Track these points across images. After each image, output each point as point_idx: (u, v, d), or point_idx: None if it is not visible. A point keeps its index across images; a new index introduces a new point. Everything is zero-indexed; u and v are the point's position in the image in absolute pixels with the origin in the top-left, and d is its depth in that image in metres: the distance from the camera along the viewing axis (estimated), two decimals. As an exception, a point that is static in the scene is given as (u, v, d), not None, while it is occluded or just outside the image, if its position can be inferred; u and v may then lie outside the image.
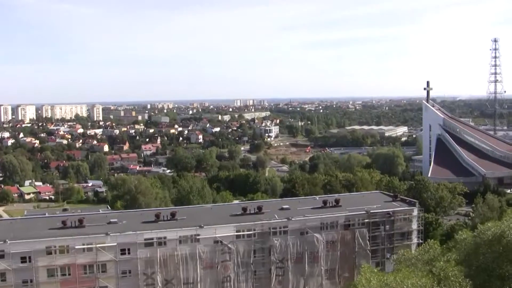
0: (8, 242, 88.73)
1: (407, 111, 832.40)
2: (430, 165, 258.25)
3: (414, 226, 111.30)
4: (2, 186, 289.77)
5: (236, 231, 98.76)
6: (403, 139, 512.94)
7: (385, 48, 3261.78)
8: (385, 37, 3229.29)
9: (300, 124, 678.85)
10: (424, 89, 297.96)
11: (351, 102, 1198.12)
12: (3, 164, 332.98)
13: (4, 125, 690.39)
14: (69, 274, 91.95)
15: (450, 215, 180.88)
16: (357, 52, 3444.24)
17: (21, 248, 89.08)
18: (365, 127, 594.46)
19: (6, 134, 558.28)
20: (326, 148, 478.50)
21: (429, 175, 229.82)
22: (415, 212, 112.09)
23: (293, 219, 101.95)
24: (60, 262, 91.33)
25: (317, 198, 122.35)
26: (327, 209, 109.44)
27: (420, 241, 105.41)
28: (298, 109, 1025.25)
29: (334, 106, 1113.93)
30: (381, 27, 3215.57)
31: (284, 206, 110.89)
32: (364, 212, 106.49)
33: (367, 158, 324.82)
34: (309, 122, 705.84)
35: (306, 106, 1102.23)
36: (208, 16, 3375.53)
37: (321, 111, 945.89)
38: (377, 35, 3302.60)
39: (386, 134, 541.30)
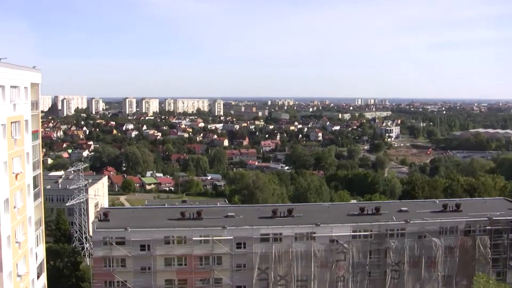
0: (129, 230, 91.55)
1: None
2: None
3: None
4: (125, 176, 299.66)
5: (353, 231, 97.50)
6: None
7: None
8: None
9: (421, 125, 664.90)
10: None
11: (475, 104, 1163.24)
12: (127, 154, 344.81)
13: (129, 117, 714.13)
14: (185, 264, 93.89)
15: None
16: (483, 53, 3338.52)
17: (141, 236, 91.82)
18: (490, 131, 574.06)
19: (130, 126, 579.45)
20: (448, 151, 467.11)
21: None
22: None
23: (411, 222, 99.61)
24: (178, 252, 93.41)
25: (437, 202, 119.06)
26: (447, 214, 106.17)
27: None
28: (420, 109, 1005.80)
29: (457, 107, 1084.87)
30: (510, 27, 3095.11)
31: (403, 208, 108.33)
32: (486, 218, 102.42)
33: (491, 163, 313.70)
34: (431, 123, 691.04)
35: (429, 107, 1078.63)
36: (329, 15, 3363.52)
37: (444, 112, 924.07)
38: (505, 35, 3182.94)
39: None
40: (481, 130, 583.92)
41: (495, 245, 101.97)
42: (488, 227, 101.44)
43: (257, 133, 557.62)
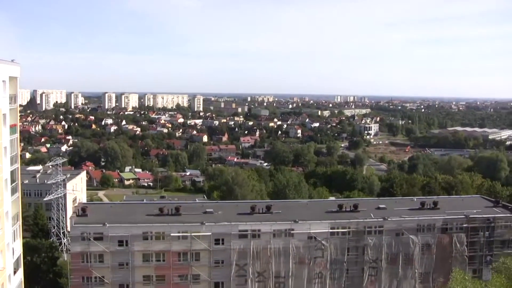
0: (107, 225, 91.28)
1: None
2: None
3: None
4: (104, 171, 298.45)
5: (331, 228, 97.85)
6: (508, 143, 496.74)
7: (492, 47, 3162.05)
8: (493, 36, 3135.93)
9: (400, 123, 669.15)
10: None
11: (454, 103, 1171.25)
12: (106, 149, 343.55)
13: (108, 112, 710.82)
14: (164, 260, 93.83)
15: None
16: (463, 51, 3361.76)
17: (119, 232, 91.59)
18: (468, 129, 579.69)
19: (110, 121, 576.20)
20: (427, 149, 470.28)
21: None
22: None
23: (389, 219, 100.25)
24: (156, 248, 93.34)
25: (415, 199, 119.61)
26: (424, 211, 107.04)
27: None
28: (399, 107, 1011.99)
29: (436, 106, 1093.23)
30: (490, 25, 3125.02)
31: (381, 206, 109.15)
32: (463, 216, 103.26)
33: (469, 161, 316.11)
34: (410, 121, 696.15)
35: (408, 104, 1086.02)
36: (310, 11, 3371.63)
37: (423, 110, 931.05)
38: (484, 34, 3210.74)
39: (490, 137, 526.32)
40: (459, 128, 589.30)
41: (472, 242, 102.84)
42: (465, 225, 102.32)
43: (237, 129, 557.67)
